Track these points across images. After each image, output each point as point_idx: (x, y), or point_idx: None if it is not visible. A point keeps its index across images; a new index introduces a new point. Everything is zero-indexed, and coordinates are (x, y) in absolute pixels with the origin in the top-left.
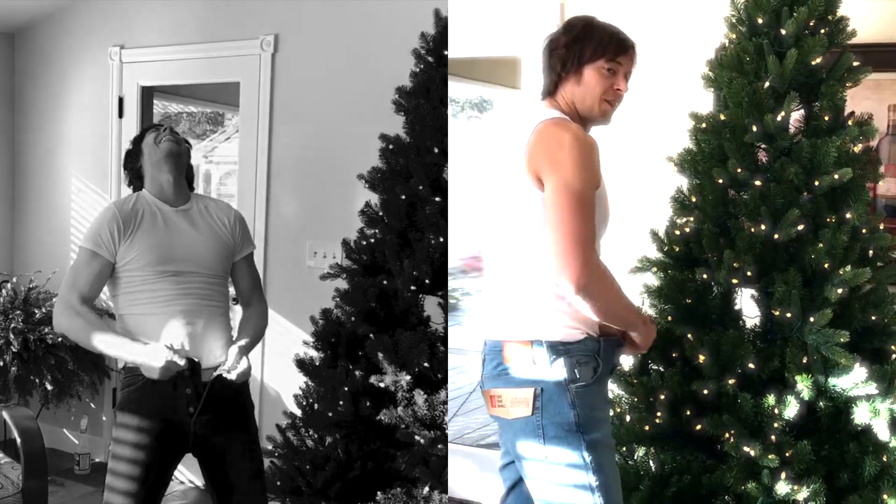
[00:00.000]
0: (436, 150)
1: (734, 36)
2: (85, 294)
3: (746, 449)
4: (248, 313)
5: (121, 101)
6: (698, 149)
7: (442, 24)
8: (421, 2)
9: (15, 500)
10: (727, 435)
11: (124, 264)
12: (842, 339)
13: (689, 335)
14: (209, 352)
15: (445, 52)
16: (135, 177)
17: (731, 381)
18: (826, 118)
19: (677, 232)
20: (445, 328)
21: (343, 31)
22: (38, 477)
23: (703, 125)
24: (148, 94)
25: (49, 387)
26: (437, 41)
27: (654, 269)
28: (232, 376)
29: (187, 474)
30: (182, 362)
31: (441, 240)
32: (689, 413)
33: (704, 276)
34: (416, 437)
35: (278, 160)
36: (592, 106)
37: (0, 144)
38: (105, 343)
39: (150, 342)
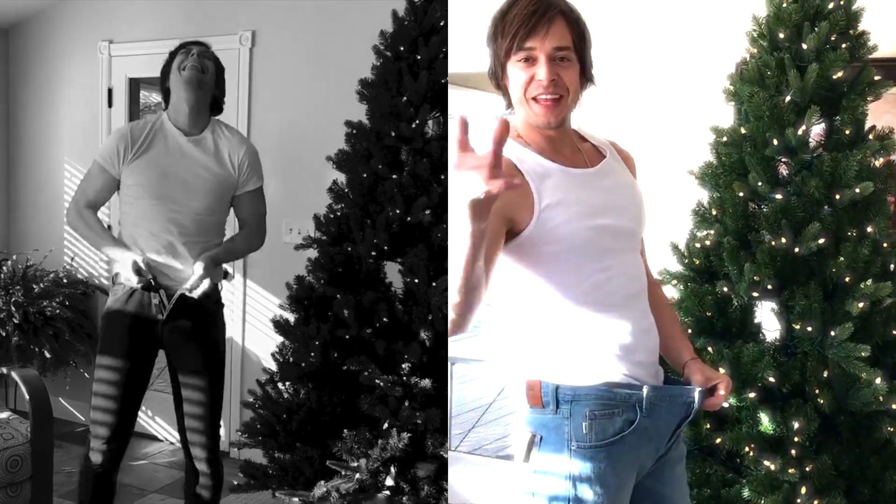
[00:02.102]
0: (392, 134)
1: (755, 50)
2: (91, 200)
3: (766, 463)
4: (236, 234)
5: (110, 91)
6: (719, 162)
7: (399, 22)
8: (382, 3)
9: (24, 449)
10: (747, 449)
11: (126, 181)
12: (863, 354)
13: (709, 348)
14: (180, 276)
15: (401, 48)
16: (164, 96)
17: (751, 395)
18: (847, 132)
19: (698, 245)
20: (404, 291)
21: (314, 28)
22: (44, 428)
23: (724, 138)
24: (135, 85)
25: (48, 355)
26: (394, 38)
27: (675, 281)
28: (194, 295)
29: (176, 434)
30: (146, 275)
31: (398, 212)
32: (708, 427)
33: (725, 289)
34: (377, 381)
35: (256, 146)
36: (524, 111)
37: None
38: (98, 244)
39: (128, 252)
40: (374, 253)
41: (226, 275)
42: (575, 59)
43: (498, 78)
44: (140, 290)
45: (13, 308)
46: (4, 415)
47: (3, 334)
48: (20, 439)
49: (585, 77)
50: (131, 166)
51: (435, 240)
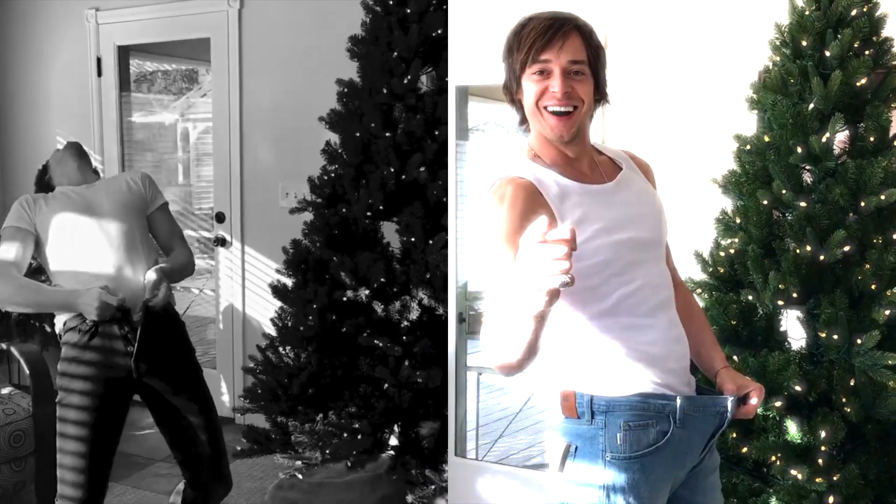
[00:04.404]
0: (384, 91)
1: (778, 58)
2: (12, 262)
3: (794, 472)
4: (169, 256)
5: (99, 60)
6: (743, 170)
7: None
8: None
9: (27, 423)
10: (774, 458)
11: (45, 230)
12: (890, 362)
13: (735, 357)
14: (135, 295)
15: (390, 2)
16: (47, 189)
17: (777, 404)
18: (871, 139)
19: (722, 253)
20: (402, 250)
21: None
22: (46, 403)
23: (748, 147)
24: (124, 54)
25: (48, 329)
26: None
27: (699, 290)
28: (154, 302)
29: None
30: (114, 301)
31: (392, 170)
32: (735, 436)
33: (749, 297)
34: (376, 342)
35: (249, 111)
36: (537, 123)
37: None
38: (41, 294)
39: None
40: (369, 213)
41: (224, 242)
42: (589, 74)
43: (512, 92)
44: (99, 329)
45: None
46: (6, 390)
47: (3, 311)
48: (22, 414)
49: (599, 94)
50: (46, 214)
51: (430, 197)
